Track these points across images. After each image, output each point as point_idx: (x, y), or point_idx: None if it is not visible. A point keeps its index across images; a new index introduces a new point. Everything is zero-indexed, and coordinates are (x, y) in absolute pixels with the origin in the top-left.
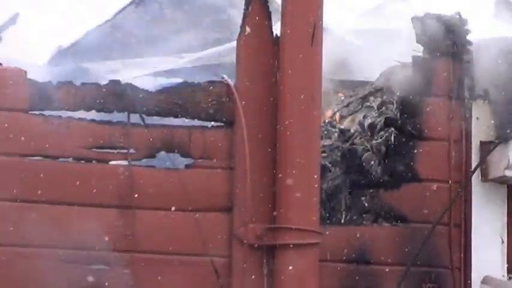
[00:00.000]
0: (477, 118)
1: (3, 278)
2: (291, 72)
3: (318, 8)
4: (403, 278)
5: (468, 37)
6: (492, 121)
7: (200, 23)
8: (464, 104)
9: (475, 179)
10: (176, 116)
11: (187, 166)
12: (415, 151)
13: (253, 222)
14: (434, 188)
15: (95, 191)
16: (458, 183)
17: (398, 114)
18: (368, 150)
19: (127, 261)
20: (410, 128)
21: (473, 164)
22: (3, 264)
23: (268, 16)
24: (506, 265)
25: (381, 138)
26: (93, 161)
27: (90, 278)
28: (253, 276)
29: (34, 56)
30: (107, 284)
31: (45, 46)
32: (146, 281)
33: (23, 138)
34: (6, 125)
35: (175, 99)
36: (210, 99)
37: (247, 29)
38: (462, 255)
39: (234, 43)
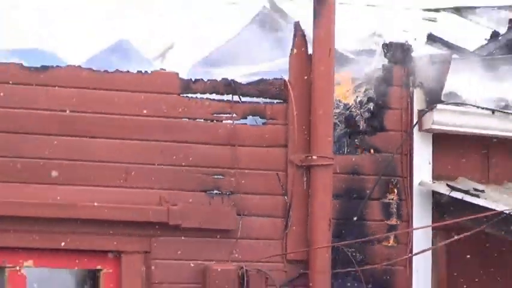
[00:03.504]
0: (416, 98)
1: None
2: (317, 73)
3: (331, 38)
4: (376, 182)
5: (412, 54)
6: (424, 98)
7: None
8: (409, 89)
9: (416, 129)
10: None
11: (263, 123)
12: (384, 114)
13: (299, 153)
14: (393, 134)
15: None
16: (406, 132)
17: (374, 95)
18: (358, 115)
19: None
20: (381, 102)
21: (415, 121)
22: None
23: (306, 43)
24: (431, 175)
25: (365, 107)
26: None
27: None
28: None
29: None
30: None
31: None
32: None
33: None
34: None
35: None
36: (275, 87)
37: (295, 50)
38: (408, 170)
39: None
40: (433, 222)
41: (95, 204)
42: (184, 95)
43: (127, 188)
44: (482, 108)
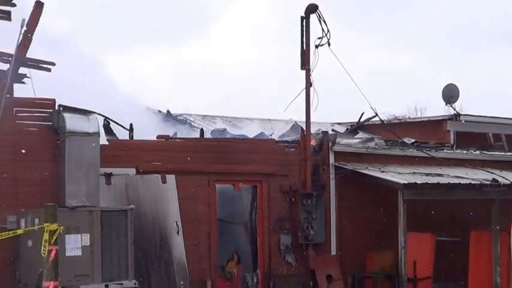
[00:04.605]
0: (330, 143)
1: None
2: (307, 138)
3: (309, 130)
4: (321, 163)
5: (328, 133)
6: (332, 143)
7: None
8: (328, 141)
9: (330, 151)
10: (293, 143)
11: (294, 150)
12: (323, 147)
13: (303, 156)
14: (325, 152)
15: None
16: (327, 151)
17: (320, 143)
18: (316, 148)
19: None
20: (322, 144)
21: (330, 148)
22: None
23: (304, 132)
24: (334, 160)
25: (318, 146)
26: None
27: None
28: (303, 164)
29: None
30: None
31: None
32: None
33: None
34: None
35: (293, 142)
36: (297, 141)
37: (301, 133)
38: (328, 159)
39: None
40: (335, 172)
41: (245, 168)
42: (276, 144)
43: (254, 165)
44: (349, 145)
